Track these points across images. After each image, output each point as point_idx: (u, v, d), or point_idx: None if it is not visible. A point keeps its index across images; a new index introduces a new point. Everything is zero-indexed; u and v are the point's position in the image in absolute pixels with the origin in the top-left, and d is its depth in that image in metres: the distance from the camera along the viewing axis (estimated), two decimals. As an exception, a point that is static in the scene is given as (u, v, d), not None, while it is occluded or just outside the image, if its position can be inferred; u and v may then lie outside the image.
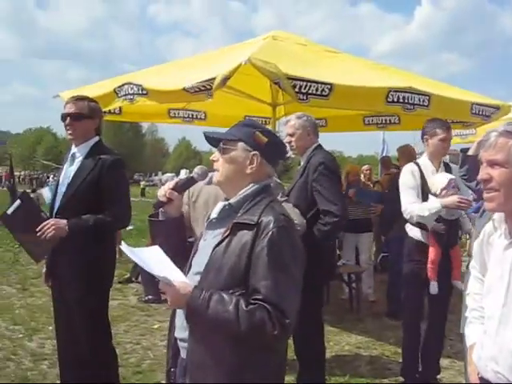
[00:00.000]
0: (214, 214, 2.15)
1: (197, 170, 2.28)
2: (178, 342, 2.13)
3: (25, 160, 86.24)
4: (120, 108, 8.04)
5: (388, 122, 8.35)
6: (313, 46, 7.00)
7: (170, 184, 2.24)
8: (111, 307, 6.60)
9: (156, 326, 6.05)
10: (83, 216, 3.37)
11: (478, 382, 2.01)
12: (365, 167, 10.36)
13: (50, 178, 44.56)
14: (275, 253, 1.90)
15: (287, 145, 4.23)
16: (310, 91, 4.92)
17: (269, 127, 9.07)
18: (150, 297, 7.07)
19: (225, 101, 7.67)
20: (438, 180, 4.22)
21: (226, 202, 2.10)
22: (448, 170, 4.40)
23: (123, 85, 6.11)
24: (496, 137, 1.90)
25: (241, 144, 2.10)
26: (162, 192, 2.23)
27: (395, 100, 5.36)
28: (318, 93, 4.96)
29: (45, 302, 6.76)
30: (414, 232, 4.37)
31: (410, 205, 4.23)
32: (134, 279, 8.20)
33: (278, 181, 3.99)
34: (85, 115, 3.55)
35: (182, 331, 2.08)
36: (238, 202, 2.07)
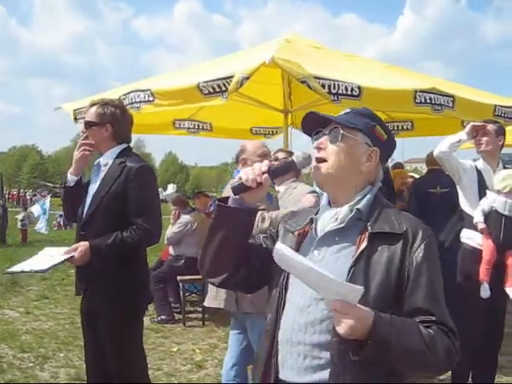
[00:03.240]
0: (330, 224, 1.72)
1: (300, 153, 1.87)
2: None
3: (10, 178, 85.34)
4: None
5: (400, 128, 8.17)
6: (327, 50, 6.77)
7: (263, 166, 1.75)
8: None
9: (175, 349, 5.65)
10: (108, 236, 3.04)
11: None
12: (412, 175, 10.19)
13: (38, 195, 44.02)
14: (435, 267, 1.67)
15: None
16: (339, 91, 4.67)
17: (279, 136, 8.87)
18: (162, 317, 6.69)
19: (230, 111, 7.42)
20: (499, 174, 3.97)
21: (354, 208, 1.70)
22: None
23: (129, 92, 5.78)
24: None
25: (361, 135, 1.76)
26: (251, 176, 1.73)
27: (423, 101, 5.14)
28: (349, 93, 4.70)
29: (51, 327, 6.39)
30: (468, 237, 4.05)
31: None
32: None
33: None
34: (91, 123, 3.22)
35: (306, 374, 1.62)
36: (364, 207, 1.71)
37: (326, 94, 4.67)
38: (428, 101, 5.15)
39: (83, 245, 3.03)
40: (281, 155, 4.59)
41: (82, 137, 3.31)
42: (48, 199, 22.71)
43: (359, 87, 4.77)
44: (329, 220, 1.74)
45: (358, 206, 1.70)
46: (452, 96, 5.30)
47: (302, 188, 4.32)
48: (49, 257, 3.14)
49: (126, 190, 3.10)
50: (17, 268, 3.21)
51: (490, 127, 4.02)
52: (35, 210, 22.41)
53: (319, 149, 1.76)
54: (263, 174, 1.74)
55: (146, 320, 6.70)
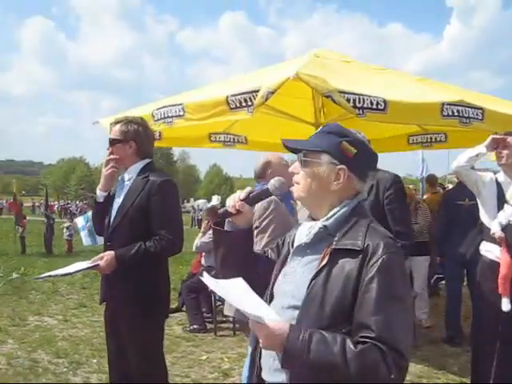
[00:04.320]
0: (304, 238, 1.84)
1: (274, 181, 1.97)
2: None
3: (58, 190, 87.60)
4: (160, 133, 7.95)
5: (434, 140, 8.12)
6: (357, 63, 6.82)
7: (242, 194, 1.95)
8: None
9: (204, 358, 5.75)
10: (132, 246, 3.20)
11: None
12: (410, 187, 10.11)
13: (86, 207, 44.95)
14: (388, 283, 1.63)
15: None
16: (365, 105, 4.71)
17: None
18: (194, 326, 6.80)
19: (264, 125, 7.54)
20: None
21: (320, 225, 1.80)
22: None
23: (163, 107, 5.97)
24: None
25: (325, 156, 1.81)
26: (232, 202, 1.95)
27: (450, 114, 5.13)
28: (374, 106, 4.75)
29: (87, 334, 6.58)
30: (487, 250, 4.04)
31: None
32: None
33: None
34: (116, 140, 3.40)
35: (275, 374, 1.75)
36: (332, 223, 1.78)
37: (351, 108, 4.73)
38: (456, 113, 5.14)
39: (109, 254, 3.21)
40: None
41: (108, 154, 3.47)
42: (91, 211, 23.19)
43: (384, 101, 4.79)
44: (304, 234, 1.85)
45: (326, 223, 1.78)
46: (481, 108, 5.27)
47: None
48: (77, 265, 3.33)
49: (149, 203, 3.25)
50: (45, 274, 3.43)
51: (511, 140, 4.00)
52: (79, 221, 23.01)
53: (294, 173, 1.90)
54: (242, 201, 1.92)
55: (179, 329, 6.92)
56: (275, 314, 1.69)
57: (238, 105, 5.06)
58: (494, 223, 3.89)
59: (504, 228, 3.82)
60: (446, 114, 5.10)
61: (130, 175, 3.40)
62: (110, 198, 3.49)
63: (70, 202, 64.23)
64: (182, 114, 5.71)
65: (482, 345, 4.13)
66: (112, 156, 3.44)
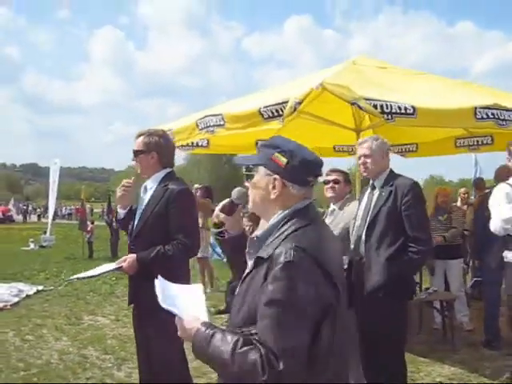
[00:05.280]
0: (247, 247, 2.06)
1: (235, 192, 2.26)
2: None
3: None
4: (208, 140, 8.27)
5: (480, 143, 8.05)
6: (393, 69, 6.90)
7: (218, 208, 2.28)
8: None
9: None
10: (152, 249, 3.48)
11: None
12: (462, 190, 10.05)
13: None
14: (277, 289, 1.73)
15: (361, 166, 4.13)
16: (393, 110, 4.79)
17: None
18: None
19: (310, 131, 7.69)
20: None
21: (254, 236, 2.01)
22: None
23: (205, 117, 6.25)
24: None
25: (262, 169, 2.00)
26: (215, 217, 2.30)
27: (485, 116, 5.15)
28: (403, 111, 4.82)
29: (135, 333, 6.92)
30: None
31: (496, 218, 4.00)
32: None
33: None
34: (139, 151, 3.68)
35: None
36: (263, 233, 1.97)
37: (378, 113, 4.85)
38: (491, 116, 5.17)
39: (131, 257, 3.52)
40: (331, 177, 4.71)
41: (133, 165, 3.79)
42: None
43: (413, 107, 4.87)
44: None
45: (258, 234, 1.99)
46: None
47: (355, 204, 4.48)
48: (104, 267, 3.65)
49: (168, 210, 3.53)
50: (74, 276, 3.79)
51: None
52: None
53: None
54: (222, 214, 2.28)
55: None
56: (205, 315, 2.01)
57: (270, 115, 5.28)
58: None
59: None
60: (479, 117, 5.14)
61: (152, 184, 3.68)
62: (131, 213, 3.79)
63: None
64: (222, 123, 5.97)
65: None
66: (126, 183, 3.75)
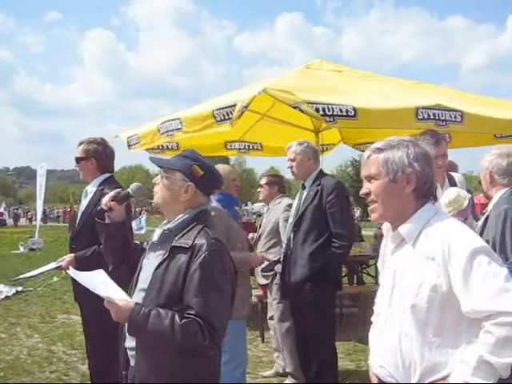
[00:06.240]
0: (155, 237, 2.41)
1: (132, 186, 2.60)
2: (128, 350, 2.38)
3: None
4: (177, 144, 8.53)
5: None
6: (349, 72, 7.15)
7: (111, 194, 2.59)
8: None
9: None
10: (88, 249, 3.79)
11: (376, 382, 2.11)
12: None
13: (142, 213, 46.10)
14: (207, 273, 2.17)
15: (288, 169, 4.44)
16: (335, 113, 5.05)
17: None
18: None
19: (276, 131, 7.98)
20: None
21: (166, 227, 2.36)
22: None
23: (165, 122, 6.51)
24: (367, 155, 2.06)
25: (179, 174, 2.37)
26: (104, 201, 2.61)
27: (426, 117, 5.40)
28: (344, 114, 5.09)
29: (105, 329, 7.23)
30: None
31: None
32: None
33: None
34: (79, 158, 3.99)
35: (130, 341, 2.34)
36: (175, 226, 2.34)
37: (320, 116, 5.11)
38: (432, 117, 5.43)
39: (69, 256, 3.86)
40: (263, 181, 5.43)
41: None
42: (144, 217, 24.16)
43: (354, 108, 5.14)
44: (157, 235, 2.43)
45: (170, 226, 2.35)
46: (460, 110, 5.52)
47: (285, 202, 4.87)
48: (47, 266, 3.96)
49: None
50: (20, 276, 4.12)
51: None
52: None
53: (155, 183, 2.45)
54: (112, 200, 2.57)
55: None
56: (126, 296, 2.27)
57: (222, 118, 5.54)
58: None
59: None
60: (421, 117, 5.41)
61: (92, 188, 4.00)
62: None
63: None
64: (180, 127, 6.22)
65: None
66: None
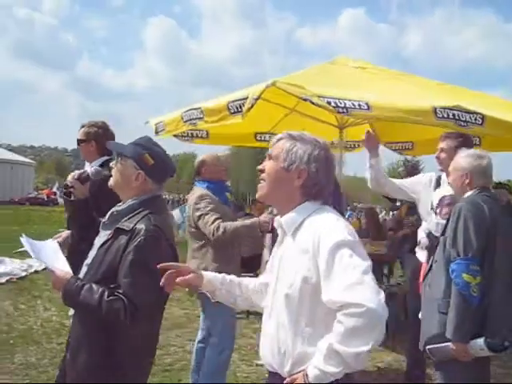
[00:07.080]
0: (105, 218, 2.57)
1: (91, 169, 2.80)
2: (70, 318, 2.63)
3: (171, 184, 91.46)
4: (207, 132, 8.65)
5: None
6: (373, 69, 7.08)
7: (76, 174, 2.89)
8: (177, 315, 7.11)
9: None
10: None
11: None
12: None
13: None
14: (139, 256, 2.31)
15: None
16: (347, 105, 5.05)
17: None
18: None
19: (303, 126, 7.97)
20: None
21: (115, 209, 2.52)
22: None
23: (188, 110, 6.63)
24: (279, 137, 2.18)
25: (130, 161, 2.51)
26: (69, 178, 2.89)
27: (445, 116, 5.32)
28: (357, 107, 5.07)
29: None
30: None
31: None
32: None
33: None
34: (81, 140, 4.13)
35: (71, 310, 2.59)
36: (123, 210, 2.49)
37: (331, 107, 5.11)
38: (451, 116, 5.35)
39: (66, 232, 3.93)
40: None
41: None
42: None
43: (367, 103, 5.12)
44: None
45: (118, 209, 2.51)
46: (481, 113, 5.42)
47: None
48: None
49: (100, 192, 3.97)
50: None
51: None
52: (175, 214, 24.12)
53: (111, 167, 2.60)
54: (76, 180, 2.91)
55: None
56: (68, 268, 2.45)
57: (235, 110, 5.62)
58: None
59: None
60: (440, 116, 5.33)
61: (91, 170, 4.12)
62: None
63: (180, 196, 66.89)
64: (201, 116, 6.32)
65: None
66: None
